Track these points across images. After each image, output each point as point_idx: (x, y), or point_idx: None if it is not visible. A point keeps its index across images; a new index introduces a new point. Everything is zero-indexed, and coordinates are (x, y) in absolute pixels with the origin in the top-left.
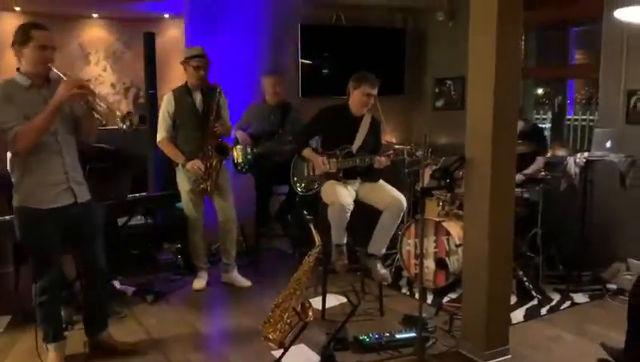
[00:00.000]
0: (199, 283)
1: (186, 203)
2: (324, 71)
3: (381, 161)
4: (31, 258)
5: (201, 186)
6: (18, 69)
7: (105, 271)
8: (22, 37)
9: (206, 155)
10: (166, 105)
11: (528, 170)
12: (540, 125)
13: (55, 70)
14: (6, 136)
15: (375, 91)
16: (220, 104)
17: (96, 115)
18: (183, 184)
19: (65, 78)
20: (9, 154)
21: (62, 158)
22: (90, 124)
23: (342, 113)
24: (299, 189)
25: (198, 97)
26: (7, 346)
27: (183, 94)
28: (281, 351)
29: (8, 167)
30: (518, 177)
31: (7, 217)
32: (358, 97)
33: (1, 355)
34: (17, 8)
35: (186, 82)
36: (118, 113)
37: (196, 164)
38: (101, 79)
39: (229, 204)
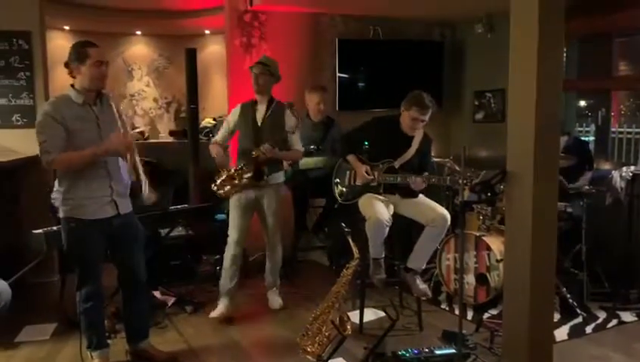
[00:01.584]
0: (217, 310)
1: (231, 218)
2: (362, 85)
3: (417, 182)
4: (76, 266)
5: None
6: (72, 85)
7: (145, 281)
8: (78, 55)
9: (242, 168)
10: (232, 114)
11: (576, 184)
12: (583, 138)
13: (107, 92)
14: (44, 155)
15: (425, 117)
16: (286, 123)
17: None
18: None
19: (111, 102)
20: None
21: (107, 173)
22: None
23: (394, 127)
24: (338, 195)
25: (262, 110)
26: (52, 353)
27: (248, 106)
28: None
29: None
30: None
31: (55, 228)
32: (406, 119)
33: None
34: (66, 27)
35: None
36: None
37: (222, 159)
38: (144, 94)
39: (275, 227)
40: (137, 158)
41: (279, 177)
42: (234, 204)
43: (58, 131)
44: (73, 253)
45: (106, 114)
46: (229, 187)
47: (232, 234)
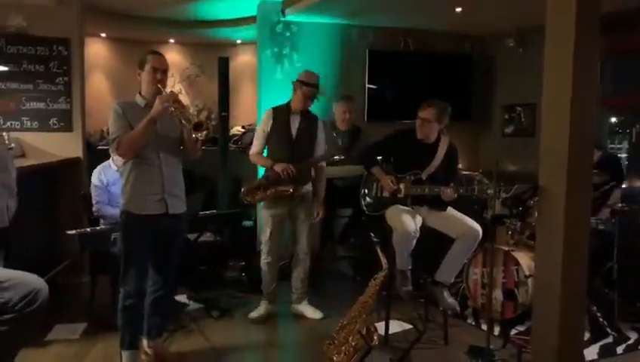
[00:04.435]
0: (257, 311)
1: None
2: (391, 96)
3: (446, 192)
4: (122, 260)
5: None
6: (140, 91)
7: (171, 282)
8: (140, 62)
9: (289, 179)
10: (264, 121)
11: (610, 202)
12: (617, 154)
13: (164, 91)
14: (113, 143)
15: (425, 114)
16: (318, 136)
17: (184, 123)
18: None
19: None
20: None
21: (161, 173)
22: (190, 141)
23: (413, 137)
24: (365, 207)
25: (295, 120)
26: (82, 353)
27: (281, 113)
28: None
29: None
30: (604, 213)
31: (88, 229)
32: (417, 125)
33: (76, 361)
34: (103, 34)
35: (289, 102)
36: (196, 119)
37: (288, 169)
38: None
39: (306, 235)
40: (187, 112)
41: (309, 186)
42: (269, 218)
43: (123, 123)
44: (123, 246)
45: (164, 115)
46: (262, 195)
47: (268, 244)
